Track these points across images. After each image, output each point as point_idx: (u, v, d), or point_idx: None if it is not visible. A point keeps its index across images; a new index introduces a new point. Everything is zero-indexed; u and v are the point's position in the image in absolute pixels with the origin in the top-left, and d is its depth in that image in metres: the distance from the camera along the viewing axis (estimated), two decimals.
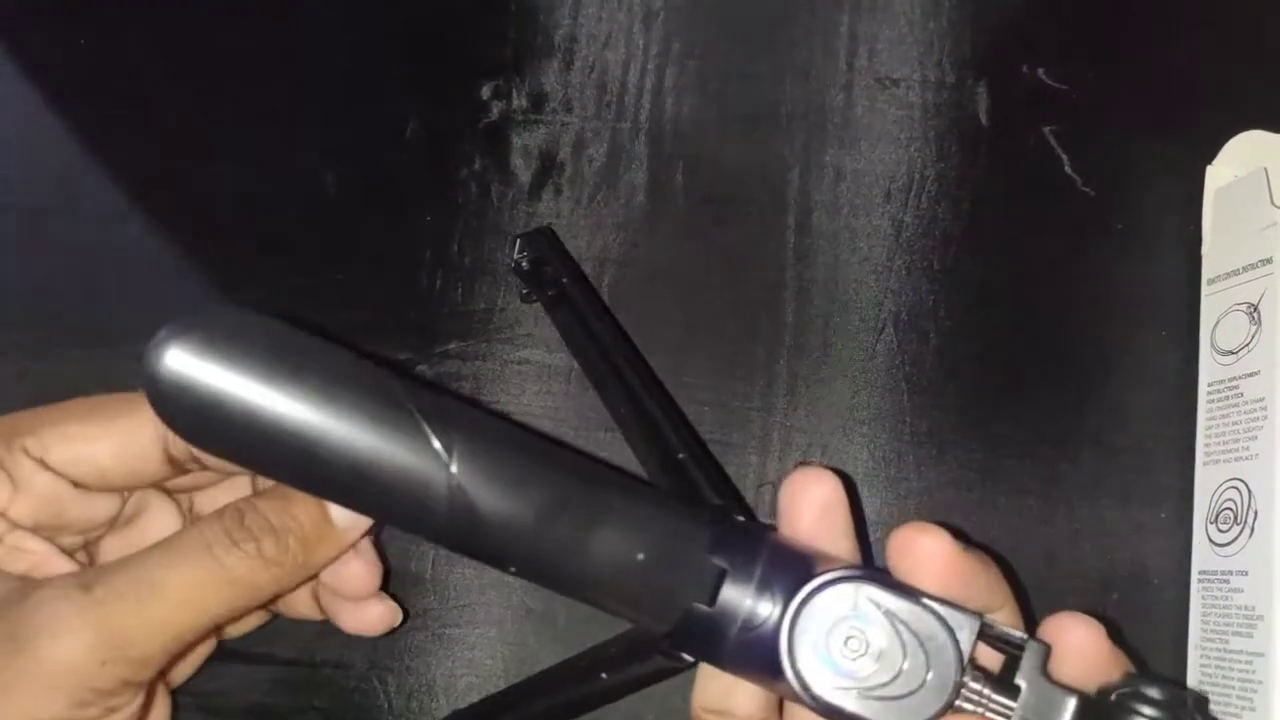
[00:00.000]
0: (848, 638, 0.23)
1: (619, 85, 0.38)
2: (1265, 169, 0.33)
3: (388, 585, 0.32)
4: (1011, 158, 0.37)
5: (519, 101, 0.38)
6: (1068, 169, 0.37)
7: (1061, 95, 0.38)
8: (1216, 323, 0.34)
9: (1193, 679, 0.32)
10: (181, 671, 0.31)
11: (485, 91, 0.38)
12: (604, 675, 0.30)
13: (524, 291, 0.36)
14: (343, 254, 0.37)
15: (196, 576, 0.25)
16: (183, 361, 0.22)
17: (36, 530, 0.28)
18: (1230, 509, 0.32)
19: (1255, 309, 0.33)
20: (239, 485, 0.30)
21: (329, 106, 0.39)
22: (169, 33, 0.40)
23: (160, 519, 0.30)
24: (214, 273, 0.38)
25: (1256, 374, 0.32)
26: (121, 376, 0.36)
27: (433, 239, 0.37)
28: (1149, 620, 0.34)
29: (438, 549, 0.34)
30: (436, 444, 0.23)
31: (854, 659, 0.23)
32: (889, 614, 0.23)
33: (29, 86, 0.39)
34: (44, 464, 0.28)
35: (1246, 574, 0.31)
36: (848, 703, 0.23)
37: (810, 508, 0.25)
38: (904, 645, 0.23)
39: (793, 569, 0.24)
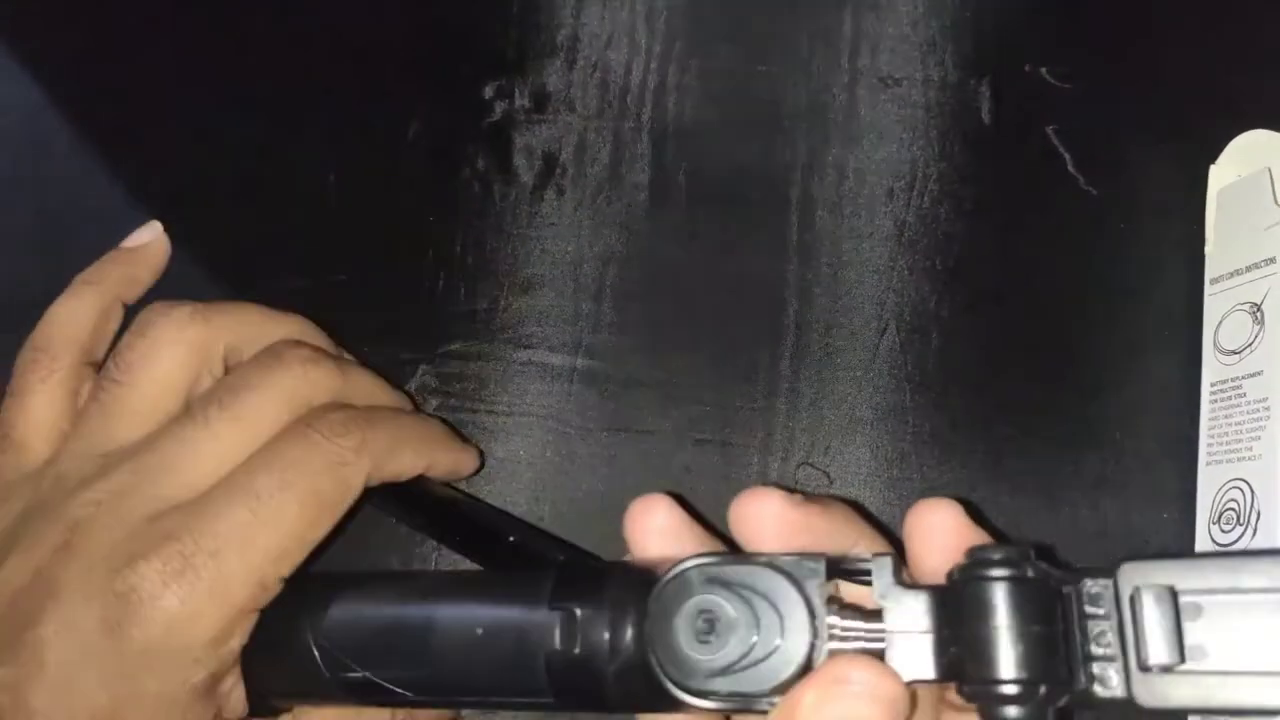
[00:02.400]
0: (699, 624, 0.23)
1: (621, 85, 0.38)
2: (1269, 169, 0.33)
3: None
4: (1014, 157, 0.37)
5: (521, 101, 0.38)
6: (1070, 168, 0.37)
7: (1064, 94, 0.37)
8: (1220, 323, 0.34)
9: None
10: None
11: (488, 91, 0.38)
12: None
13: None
14: (345, 254, 0.37)
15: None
16: None
17: None
18: (1233, 509, 0.32)
19: (1258, 309, 0.33)
20: None
21: (331, 106, 0.39)
22: (170, 33, 0.40)
23: None
24: (215, 273, 0.38)
25: (1260, 374, 0.32)
26: None
27: (435, 239, 0.37)
28: None
29: (439, 552, 0.34)
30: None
31: (713, 642, 0.23)
32: (730, 585, 0.23)
33: (29, 86, 0.39)
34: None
35: None
36: (723, 685, 0.22)
37: (652, 536, 0.25)
38: (753, 609, 0.23)
39: (641, 587, 0.24)
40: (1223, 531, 0.32)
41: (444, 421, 0.34)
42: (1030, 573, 0.22)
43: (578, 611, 0.24)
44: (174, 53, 0.39)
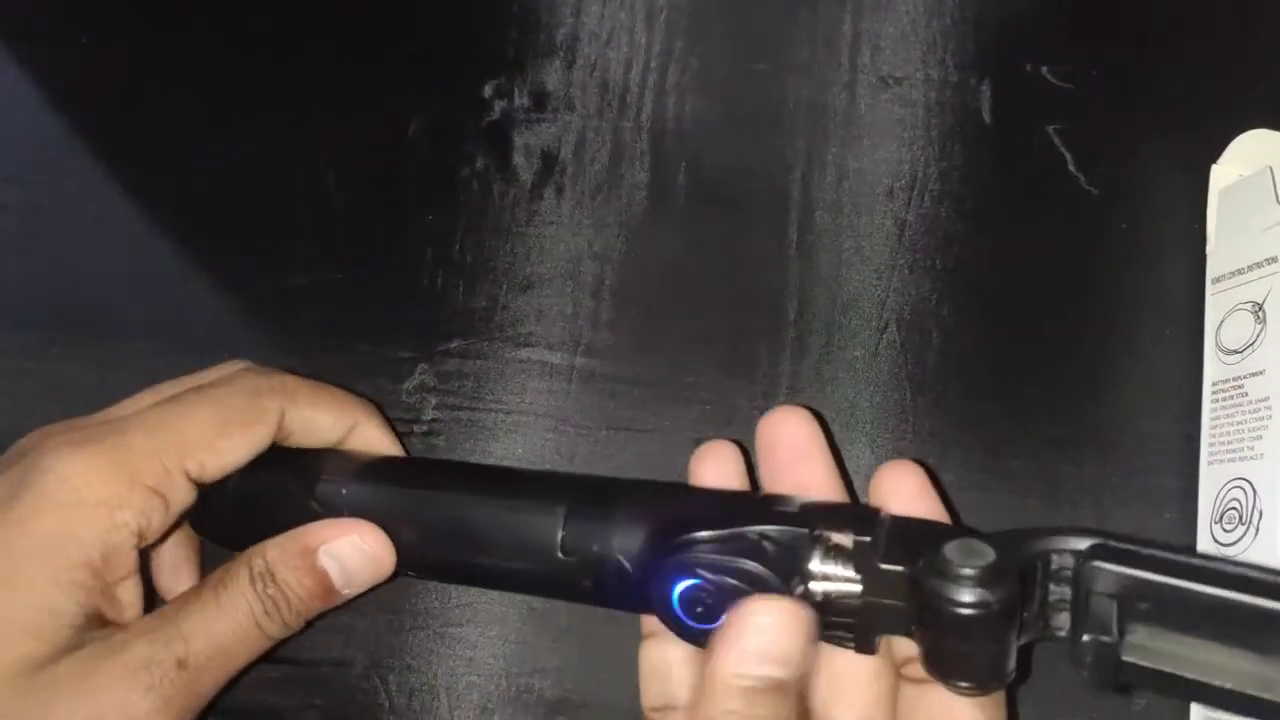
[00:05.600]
0: (696, 603, 0.26)
1: (621, 84, 0.38)
2: (1270, 168, 0.33)
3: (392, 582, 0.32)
4: (1015, 156, 0.37)
5: (521, 100, 0.38)
6: (1071, 168, 0.37)
7: (1065, 94, 0.37)
8: (1221, 322, 0.34)
9: None
10: None
11: (487, 90, 0.38)
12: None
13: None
14: (344, 252, 0.37)
15: (248, 642, 0.29)
16: None
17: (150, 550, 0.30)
18: (1235, 509, 0.32)
19: (1260, 308, 0.32)
20: None
21: (330, 104, 0.39)
22: (170, 31, 0.40)
23: None
24: (215, 272, 0.38)
25: (1261, 373, 0.32)
26: (121, 376, 0.36)
27: (434, 237, 0.37)
28: None
29: None
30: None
31: (706, 615, 0.26)
32: (720, 569, 0.26)
33: (29, 86, 0.39)
34: (199, 483, 0.29)
35: None
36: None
37: (787, 441, 0.29)
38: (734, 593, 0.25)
39: (650, 519, 0.27)
40: (1224, 531, 0.32)
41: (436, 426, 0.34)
42: (995, 605, 0.23)
43: (589, 556, 0.27)
44: (173, 52, 0.39)
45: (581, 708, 0.34)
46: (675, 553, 0.26)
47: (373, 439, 0.33)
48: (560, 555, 0.28)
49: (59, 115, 0.39)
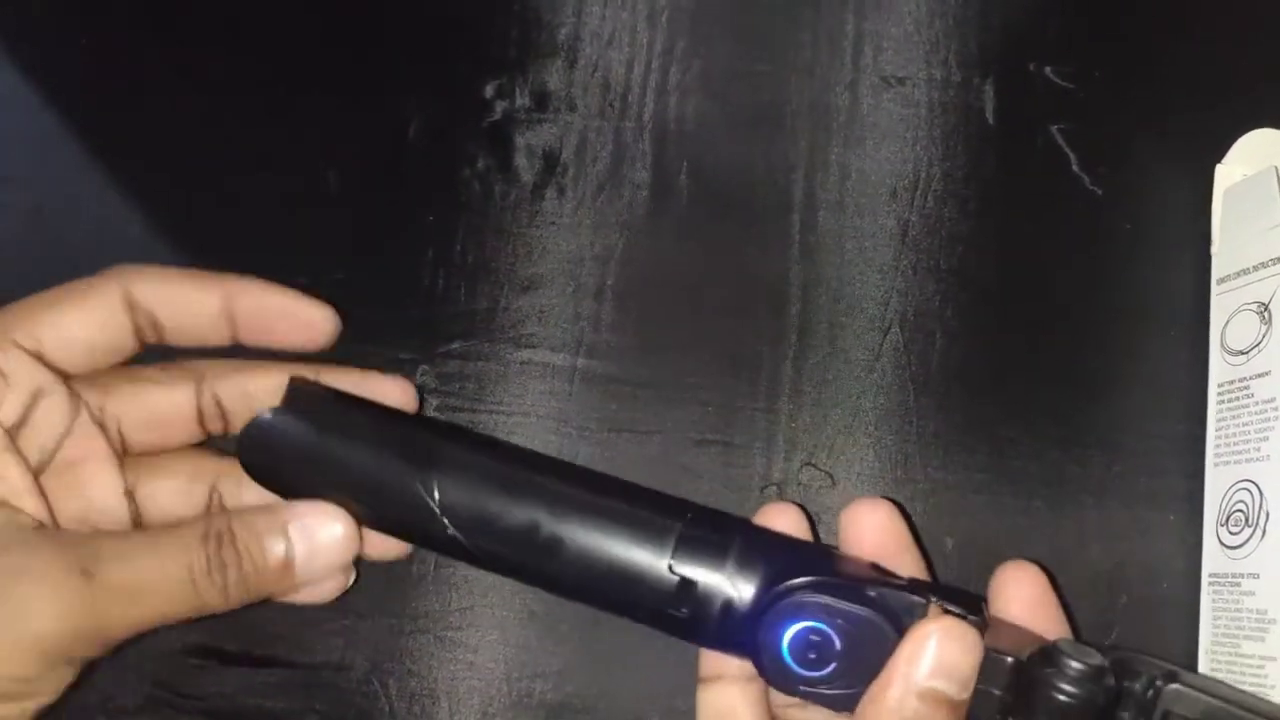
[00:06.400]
0: (808, 648, 0.26)
1: (622, 84, 0.38)
2: (1275, 167, 0.33)
3: (394, 580, 0.32)
4: (1018, 156, 0.37)
5: (522, 100, 0.38)
6: (1075, 168, 0.37)
7: (1069, 93, 0.37)
8: (1226, 323, 0.34)
9: None
10: None
11: (488, 90, 0.38)
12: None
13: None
14: (345, 253, 0.37)
15: (175, 592, 0.27)
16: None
17: (15, 428, 0.28)
18: (1241, 511, 0.32)
19: (1266, 308, 0.32)
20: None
21: (331, 104, 0.38)
22: (170, 31, 0.40)
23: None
24: (215, 272, 0.37)
25: (1267, 374, 0.32)
26: None
27: (435, 238, 0.37)
28: (1158, 623, 0.33)
29: None
30: (424, 495, 0.28)
31: (814, 662, 0.26)
32: (841, 616, 0.26)
33: (29, 86, 0.39)
34: (40, 357, 0.29)
35: (1258, 577, 0.31)
36: (815, 691, 0.26)
37: (871, 532, 0.29)
38: (851, 644, 0.26)
39: (763, 577, 0.27)
40: (1230, 534, 0.32)
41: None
42: (1101, 700, 0.24)
43: (698, 583, 0.27)
44: (173, 52, 0.39)
45: (583, 712, 0.33)
46: (794, 593, 0.26)
47: (267, 302, 0.31)
48: (669, 572, 0.27)
49: (59, 115, 0.39)
